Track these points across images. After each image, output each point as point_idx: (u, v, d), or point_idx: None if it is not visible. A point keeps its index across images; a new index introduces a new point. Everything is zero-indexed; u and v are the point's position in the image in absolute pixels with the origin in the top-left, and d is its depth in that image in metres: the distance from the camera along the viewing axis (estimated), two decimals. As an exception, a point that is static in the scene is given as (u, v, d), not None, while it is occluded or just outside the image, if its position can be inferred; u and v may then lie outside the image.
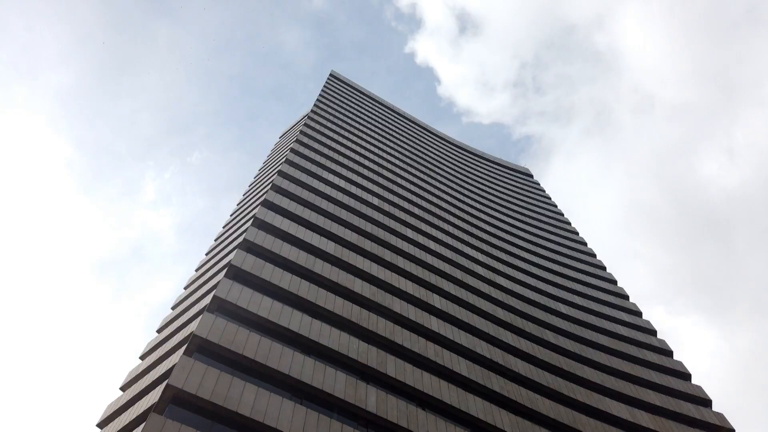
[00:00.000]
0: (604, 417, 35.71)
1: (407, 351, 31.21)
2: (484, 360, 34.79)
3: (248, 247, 32.12)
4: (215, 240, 41.44)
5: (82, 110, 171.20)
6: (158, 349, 28.82)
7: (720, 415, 40.32)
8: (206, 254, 39.83)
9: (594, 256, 62.55)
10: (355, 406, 25.24)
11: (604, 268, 59.83)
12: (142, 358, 30.78)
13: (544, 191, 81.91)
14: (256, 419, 21.60)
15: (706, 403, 41.77)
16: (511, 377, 35.01)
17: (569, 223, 70.72)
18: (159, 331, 32.71)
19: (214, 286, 29.62)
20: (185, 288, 36.41)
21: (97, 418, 26.83)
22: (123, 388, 28.73)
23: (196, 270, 37.98)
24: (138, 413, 22.99)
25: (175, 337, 28.22)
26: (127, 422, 23.21)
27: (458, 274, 43.32)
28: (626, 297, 54.77)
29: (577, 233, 67.99)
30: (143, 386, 25.60)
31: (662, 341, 48.26)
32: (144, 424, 19.06)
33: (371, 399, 26.10)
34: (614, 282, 57.25)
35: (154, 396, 22.86)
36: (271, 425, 21.73)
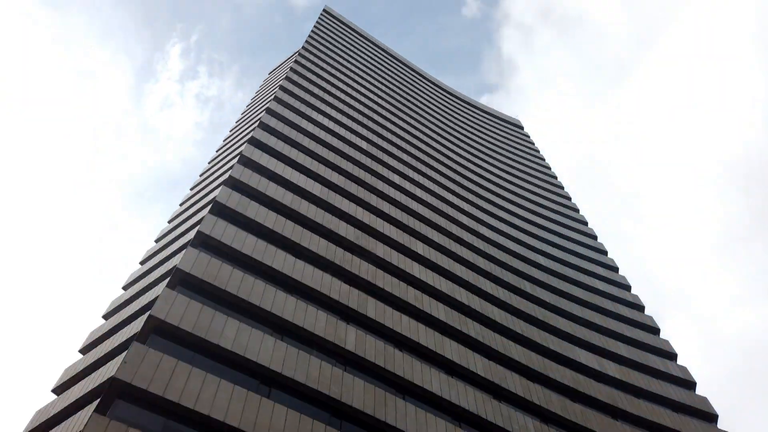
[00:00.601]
0: (574, 365, 37.18)
1: (388, 294, 31.82)
2: (462, 306, 35.65)
3: (233, 184, 31.90)
4: (200, 175, 41.04)
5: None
6: (141, 281, 29.01)
7: (684, 369, 42.19)
8: (191, 189, 39.54)
9: (577, 210, 63.30)
10: (334, 344, 25.91)
11: (585, 223, 60.70)
12: (125, 288, 31.01)
13: (533, 143, 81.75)
14: (237, 352, 22.10)
15: (672, 356, 43.59)
16: (486, 323, 36.03)
17: (555, 177, 71.07)
18: (142, 262, 32.83)
19: (199, 222, 29.59)
20: (169, 222, 36.33)
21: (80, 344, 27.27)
22: (106, 317, 29.08)
23: (181, 204, 37.79)
24: (120, 341, 23.37)
25: (158, 269, 28.37)
26: (109, 349, 23.62)
27: (442, 221, 43.69)
28: (605, 252, 55.90)
29: (562, 187, 68.48)
30: (126, 316, 25.92)
31: (635, 296, 49.71)
32: (126, 352, 19.40)
33: (350, 338, 26.78)
34: (594, 237, 58.25)
35: (136, 326, 23.20)
36: (252, 358, 22.28)
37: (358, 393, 24.23)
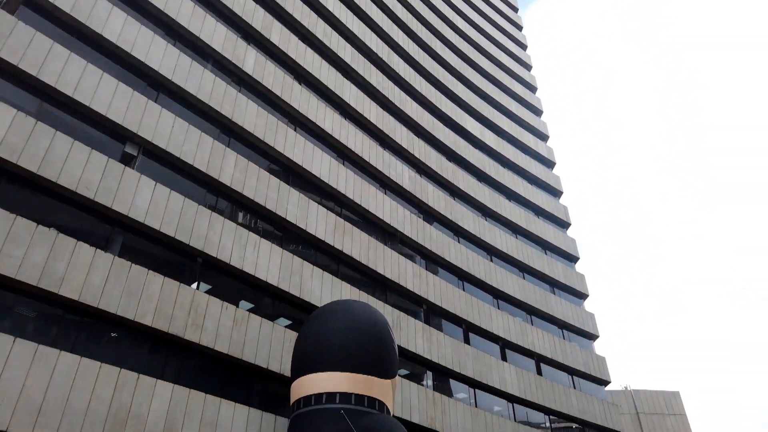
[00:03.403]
0: (458, 129, 39.66)
1: (296, 22, 30.01)
2: (370, 52, 34.94)
3: None
4: None
5: None
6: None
7: (549, 150, 46.96)
8: None
9: (516, 10, 60.47)
10: (231, 63, 24.89)
11: (516, 9, 58.76)
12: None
13: None
14: (123, 47, 20.50)
15: (545, 138, 47.92)
16: (389, 75, 36.11)
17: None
18: None
19: None
20: None
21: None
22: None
23: None
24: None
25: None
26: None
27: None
28: (525, 47, 55.58)
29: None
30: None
31: (533, 77, 51.74)
32: (-10, 20, 17.14)
33: (249, 60, 25.76)
34: (519, 27, 57.00)
35: (1, -7, 20.14)
36: (140, 57, 20.90)
37: (250, 116, 24.34)
